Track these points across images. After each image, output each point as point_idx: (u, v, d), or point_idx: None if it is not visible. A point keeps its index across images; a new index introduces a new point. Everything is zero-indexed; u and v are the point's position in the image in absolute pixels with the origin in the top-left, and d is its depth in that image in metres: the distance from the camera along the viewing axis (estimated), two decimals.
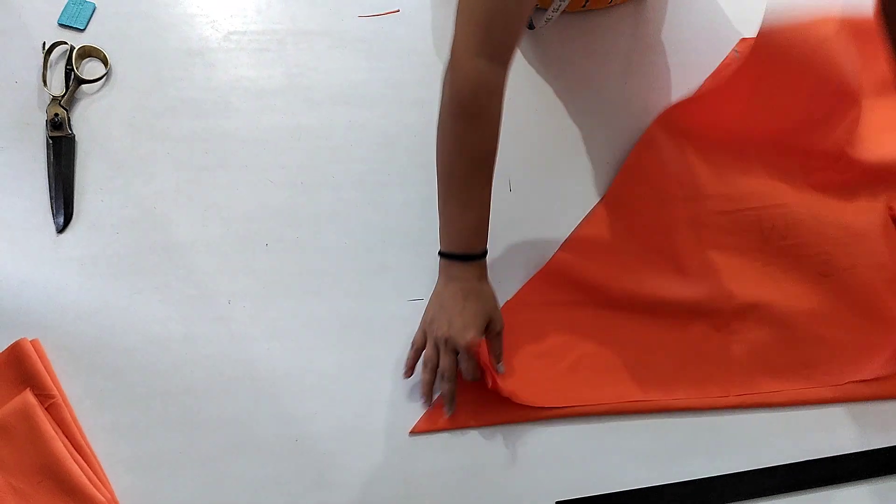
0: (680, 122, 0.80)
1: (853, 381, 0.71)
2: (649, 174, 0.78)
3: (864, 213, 0.78)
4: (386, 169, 0.76)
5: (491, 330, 0.65)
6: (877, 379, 0.70)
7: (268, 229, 0.72)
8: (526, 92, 0.82)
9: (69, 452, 0.59)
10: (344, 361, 0.67)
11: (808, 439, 0.69)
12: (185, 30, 0.80)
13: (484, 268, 0.66)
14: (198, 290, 0.69)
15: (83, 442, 0.61)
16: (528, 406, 0.65)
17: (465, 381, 0.64)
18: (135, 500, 0.61)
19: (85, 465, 0.60)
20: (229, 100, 0.77)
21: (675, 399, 0.68)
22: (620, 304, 0.72)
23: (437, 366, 0.64)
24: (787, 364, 0.71)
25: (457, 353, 0.63)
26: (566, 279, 0.72)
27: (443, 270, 0.65)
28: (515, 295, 0.71)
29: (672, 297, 0.72)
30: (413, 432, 0.65)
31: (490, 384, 0.63)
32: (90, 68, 0.76)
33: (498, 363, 0.66)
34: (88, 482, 0.58)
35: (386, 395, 0.67)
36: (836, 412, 0.70)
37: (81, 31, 0.78)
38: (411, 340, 0.66)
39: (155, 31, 0.79)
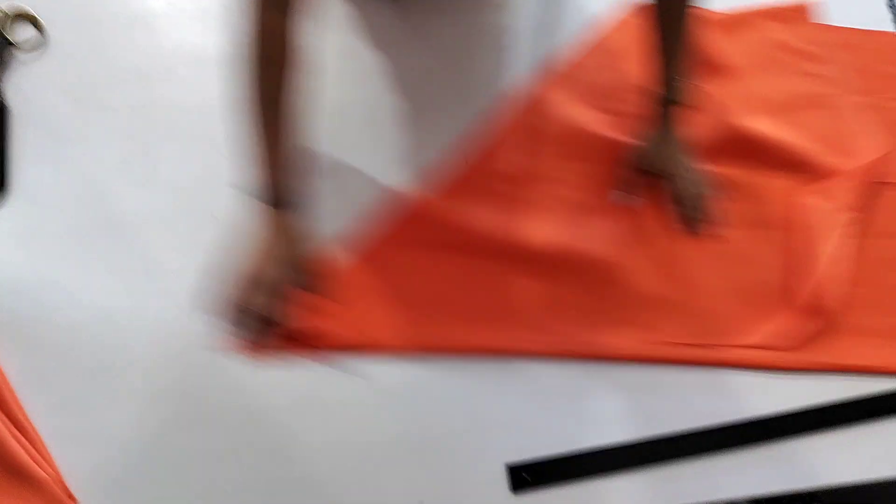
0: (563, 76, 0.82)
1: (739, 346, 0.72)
2: (531, 126, 0.79)
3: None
4: (338, 140, 0.75)
5: (307, 271, 0.66)
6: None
7: (215, 201, 0.70)
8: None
9: (9, 430, 0.58)
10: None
11: (751, 400, 0.71)
12: None
13: (301, 211, 0.65)
14: (143, 263, 0.67)
15: (24, 419, 0.60)
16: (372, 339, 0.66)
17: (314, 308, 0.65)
18: (82, 477, 0.59)
19: (27, 442, 0.58)
20: (174, 67, 0.75)
21: (536, 346, 0.69)
22: (487, 251, 0.72)
23: (255, 306, 0.64)
24: (643, 319, 0.72)
25: (270, 293, 0.63)
26: (433, 222, 0.72)
27: (256, 212, 0.64)
28: (376, 234, 0.71)
29: (544, 248, 0.72)
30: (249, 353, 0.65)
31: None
32: (23, 33, 0.73)
33: (322, 302, 0.66)
34: (31, 460, 0.57)
35: (337, 368, 0.67)
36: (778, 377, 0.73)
37: None
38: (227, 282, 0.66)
39: None
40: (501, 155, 0.77)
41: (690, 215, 0.75)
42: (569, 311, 0.71)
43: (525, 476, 0.64)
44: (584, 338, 0.69)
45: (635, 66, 0.79)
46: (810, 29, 0.91)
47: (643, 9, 0.71)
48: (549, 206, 0.76)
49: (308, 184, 0.65)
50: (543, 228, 0.74)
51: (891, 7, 0.96)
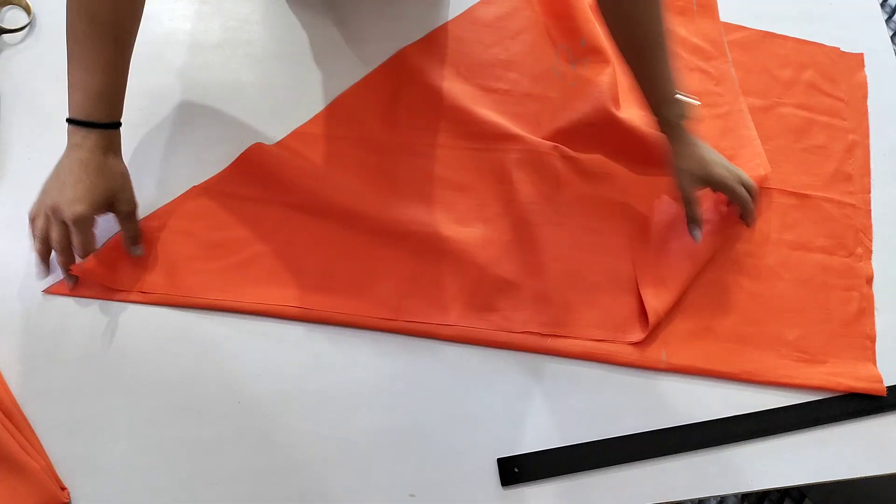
0: (437, 47, 0.81)
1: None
2: (386, 91, 0.77)
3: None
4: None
5: (118, 210, 0.63)
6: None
7: None
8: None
9: (0, 422, 0.57)
10: (287, 323, 0.67)
11: (737, 397, 0.72)
12: None
13: (115, 140, 0.63)
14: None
15: (14, 408, 0.59)
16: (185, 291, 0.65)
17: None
18: (72, 466, 0.59)
19: (16, 431, 0.58)
20: (164, 54, 0.74)
21: (347, 313, 0.67)
22: (314, 209, 0.70)
23: (48, 236, 0.61)
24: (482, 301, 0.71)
25: (72, 223, 0.60)
26: (261, 173, 0.70)
27: (68, 138, 0.61)
28: (205, 181, 0.70)
29: (375, 214, 0.71)
30: (48, 291, 0.63)
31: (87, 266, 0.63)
32: (11, 17, 0.72)
33: (133, 245, 0.65)
34: (21, 449, 0.57)
35: (332, 356, 0.66)
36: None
37: None
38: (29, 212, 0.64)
39: None
40: (366, 120, 0.76)
41: (749, 210, 0.74)
42: (421, 290, 0.70)
43: (515, 469, 0.64)
44: (434, 318, 0.68)
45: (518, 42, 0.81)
46: (708, 25, 0.91)
47: (598, 13, 0.70)
48: (410, 178, 0.74)
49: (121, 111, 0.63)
50: (404, 203, 0.72)
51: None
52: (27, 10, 0.72)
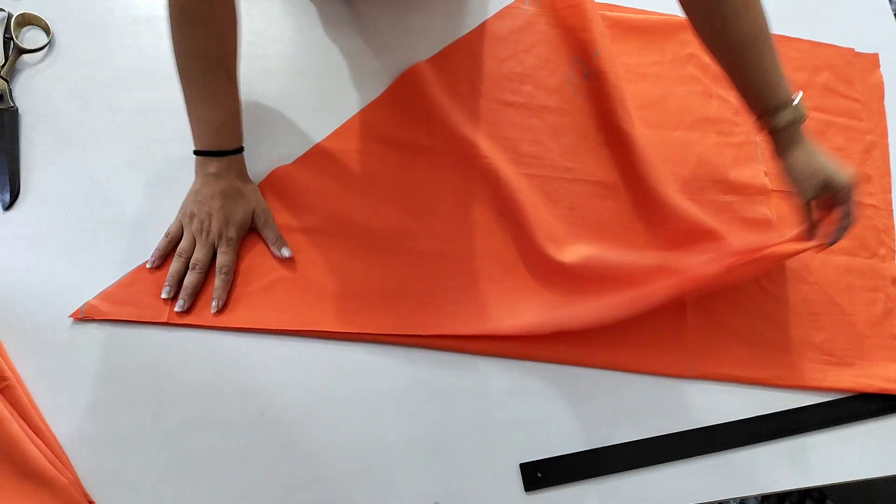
0: (453, 62, 0.81)
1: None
2: (407, 106, 0.78)
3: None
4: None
5: (256, 223, 0.68)
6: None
7: None
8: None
9: (27, 435, 0.58)
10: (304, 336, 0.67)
11: (758, 397, 0.72)
12: None
13: (242, 162, 0.68)
14: None
15: (41, 423, 0.60)
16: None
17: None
18: (99, 480, 0.60)
19: (44, 446, 0.59)
20: None
21: (369, 333, 0.67)
22: (332, 230, 0.70)
23: (190, 257, 0.66)
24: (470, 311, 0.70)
25: (214, 248, 0.66)
26: (279, 197, 0.71)
27: (199, 169, 0.67)
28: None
29: (394, 231, 0.71)
30: (81, 318, 0.64)
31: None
32: (31, 37, 0.73)
33: (280, 249, 0.68)
34: (49, 464, 0.57)
35: (355, 365, 0.67)
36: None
37: None
38: (166, 230, 0.67)
39: None
40: (385, 136, 0.76)
41: (846, 224, 0.68)
42: (444, 305, 0.70)
43: (538, 474, 0.64)
44: (461, 331, 0.68)
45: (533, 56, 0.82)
46: None
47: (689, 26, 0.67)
48: (430, 193, 0.74)
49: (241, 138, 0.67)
50: (424, 218, 0.73)
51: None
52: (46, 30, 0.73)
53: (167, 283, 0.65)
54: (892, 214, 0.85)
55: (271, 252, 0.69)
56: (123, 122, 0.72)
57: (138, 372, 0.63)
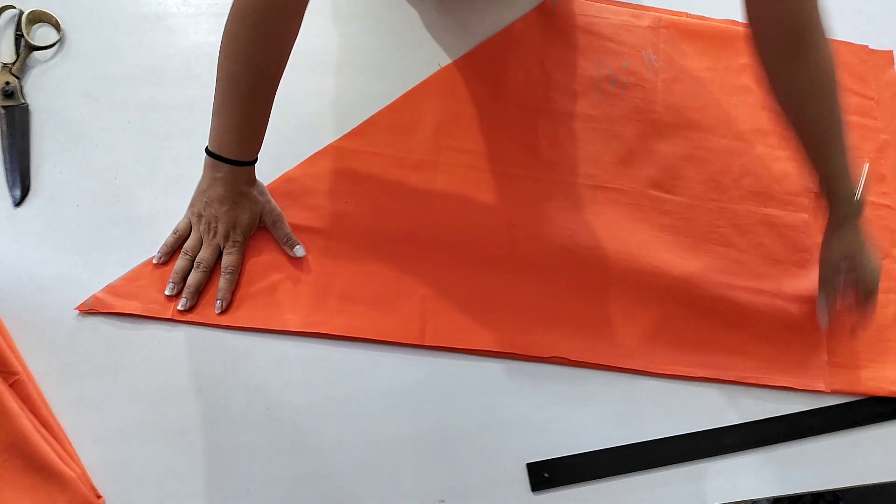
0: (477, 66, 0.80)
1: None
2: (424, 111, 0.77)
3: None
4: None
5: (267, 223, 0.69)
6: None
7: None
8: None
9: (36, 429, 0.58)
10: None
11: (769, 398, 0.71)
12: None
13: (253, 172, 0.68)
14: None
15: (50, 417, 0.60)
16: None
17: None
18: (106, 474, 0.60)
19: (53, 440, 0.59)
20: (190, 67, 0.75)
21: (370, 338, 0.67)
22: (336, 232, 0.70)
23: (196, 255, 0.66)
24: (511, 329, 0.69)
25: (220, 249, 0.66)
26: (288, 196, 0.71)
27: (208, 169, 0.66)
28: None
29: (401, 234, 0.71)
30: (87, 310, 0.64)
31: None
32: (41, 34, 0.74)
33: (292, 248, 0.68)
34: (57, 458, 0.58)
35: (361, 363, 0.67)
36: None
37: None
38: (174, 227, 0.68)
39: None
40: (403, 138, 0.76)
41: (863, 307, 0.71)
42: (446, 312, 0.69)
43: (545, 474, 0.64)
44: (461, 343, 0.68)
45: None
46: None
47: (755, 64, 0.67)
48: (443, 199, 0.73)
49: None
50: (433, 223, 0.72)
51: None
52: (57, 27, 0.73)
53: (171, 280, 0.65)
54: None
55: (284, 251, 0.69)
56: (133, 119, 0.72)
57: (145, 367, 0.64)
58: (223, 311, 0.65)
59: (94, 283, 0.65)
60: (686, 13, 0.88)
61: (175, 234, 0.67)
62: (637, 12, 0.87)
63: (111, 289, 0.65)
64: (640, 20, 0.87)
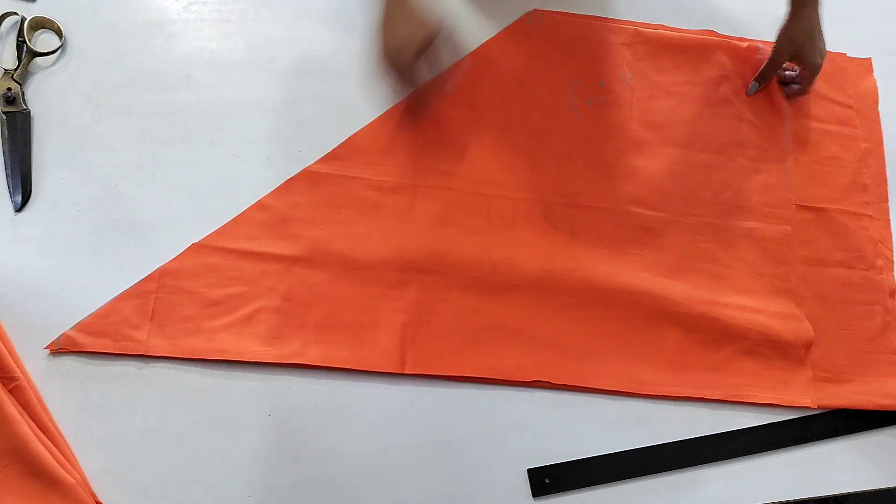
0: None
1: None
2: (401, 135, 0.76)
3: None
4: None
5: (438, 41, 0.68)
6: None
7: (233, 205, 0.70)
8: None
9: (36, 435, 0.58)
10: None
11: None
12: (143, 0, 0.78)
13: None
14: (160, 266, 0.67)
15: (50, 423, 0.60)
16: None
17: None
18: (106, 481, 0.60)
19: (53, 447, 0.59)
20: (191, 72, 0.76)
21: (350, 367, 0.66)
22: (315, 260, 0.69)
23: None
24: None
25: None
26: (262, 226, 0.70)
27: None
28: (205, 238, 0.69)
29: (380, 261, 0.70)
30: (53, 349, 0.63)
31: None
32: (44, 40, 0.74)
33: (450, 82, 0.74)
34: (57, 464, 0.58)
35: (357, 371, 0.67)
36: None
37: (33, 1, 0.75)
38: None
39: (111, 2, 0.77)
40: (378, 161, 0.75)
41: (799, 93, 0.83)
42: (426, 340, 0.68)
43: (546, 480, 0.64)
44: (440, 370, 0.67)
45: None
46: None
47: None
48: (419, 222, 0.73)
49: None
50: (410, 249, 0.71)
51: None
52: (59, 33, 0.74)
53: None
54: (889, 224, 0.82)
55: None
56: (134, 125, 0.72)
57: (146, 373, 0.64)
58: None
59: (94, 288, 0.65)
60: (663, 25, 0.87)
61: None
62: (613, 27, 0.86)
63: (82, 326, 0.64)
64: (615, 37, 0.85)
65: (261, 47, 0.78)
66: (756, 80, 0.84)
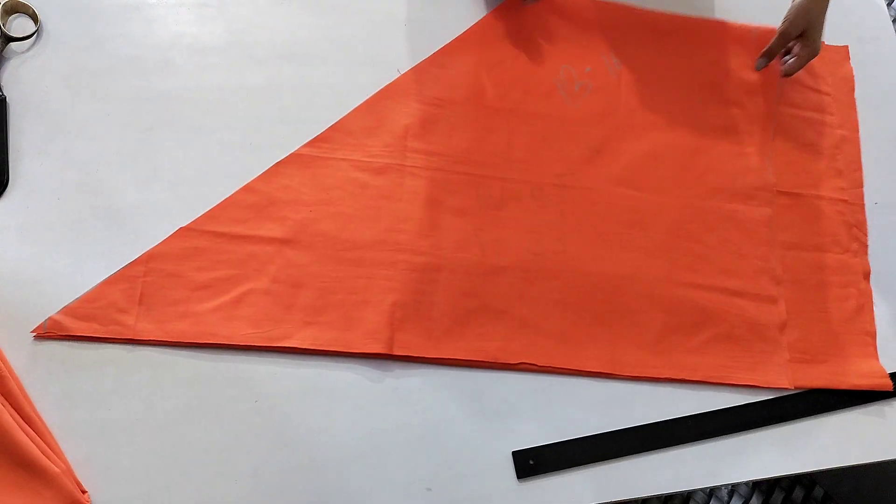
0: (442, 67, 0.79)
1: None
2: (389, 113, 0.76)
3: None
4: None
5: None
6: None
7: (216, 191, 0.70)
8: None
9: (18, 424, 0.58)
10: None
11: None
12: None
13: None
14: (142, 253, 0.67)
15: (33, 413, 0.60)
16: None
17: None
18: (91, 470, 0.60)
19: (36, 436, 0.58)
20: (170, 57, 0.75)
21: (338, 349, 0.66)
22: (303, 242, 0.69)
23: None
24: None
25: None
26: (250, 208, 0.70)
27: None
28: (193, 221, 0.68)
29: (368, 241, 0.70)
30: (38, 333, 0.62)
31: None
32: (18, 25, 0.72)
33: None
34: (41, 453, 0.57)
35: (342, 355, 0.67)
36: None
37: None
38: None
39: None
40: (367, 143, 0.75)
41: (797, 68, 0.85)
42: (414, 320, 0.68)
43: (530, 462, 0.65)
44: (429, 352, 0.67)
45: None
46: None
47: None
48: (408, 202, 0.72)
49: None
50: (399, 229, 0.71)
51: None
52: (34, 18, 0.72)
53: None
54: (864, 209, 0.84)
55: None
56: (114, 111, 0.71)
57: (130, 360, 0.63)
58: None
59: (76, 276, 0.65)
60: (651, 10, 0.88)
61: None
62: (602, 8, 0.86)
63: (68, 310, 0.63)
64: (604, 20, 0.86)
65: (241, 32, 0.77)
66: (764, 55, 0.87)
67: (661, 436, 0.68)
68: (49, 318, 0.63)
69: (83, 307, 0.64)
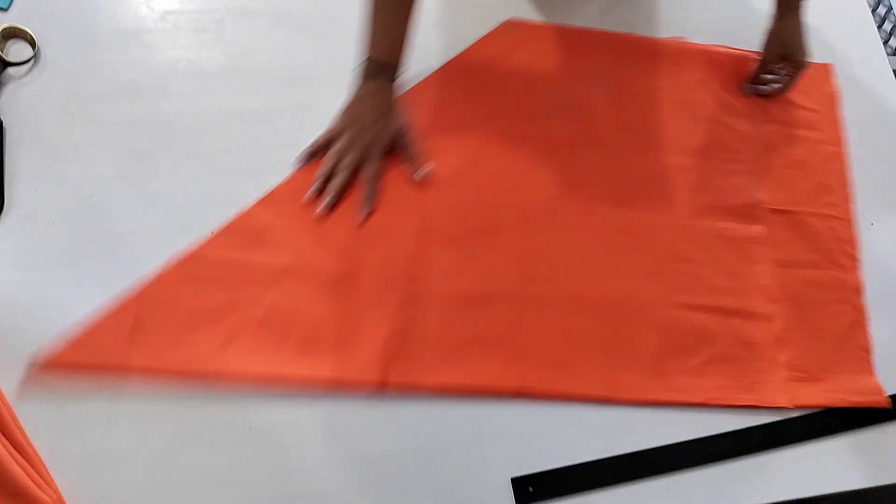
0: (428, 94, 0.80)
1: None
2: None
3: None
4: None
5: (400, 143, 0.74)
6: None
7: (212, 216, 0.69)
8: None
9: (9, 452, 0.57)
10: None
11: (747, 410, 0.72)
12: (117, 9, 0.77)
13: (397, 90, 0.74)
14: (138, 278, 0.66)
15: (24, 441, 0.59)
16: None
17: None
18: (82, 499, 0.59)
19: (27, 464, 0.58)
20: (167, 82, 0.75)
21: (333, 380, 0.65)
22: (300, 270, 0.68)
23: (340, 160, 0.72)
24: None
25: (363, 155, 0.72)
26: (248, 235, 0.69)
27: (364, 80, 0.73)
28: (189, 248, 0.68)
29: (364, 270, 0.70)
30: (36, 364, 0.61)
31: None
32: (16, 50, 0.73)
33: (420, 168, 0.74)
34: (31, 482, 0.56)
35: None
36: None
37: (5, 10, 0.74)
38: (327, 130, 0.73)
39: (85, 11, 0.76)
40: None
41: (780, 91, 0.87)
42: (410, 350, 0.67)
43: (529, 489, 0.64)
44: (426, 379, 0.67)
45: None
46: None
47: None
48: (401, 231, 0.72)
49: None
50: (393, 257, 0.71)
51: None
52: (32, 43, 0.73)
53: (315, 180, 0.71)
54: (854, 224, 0.84)
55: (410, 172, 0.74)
56: (109, 135, 0.72)
57: (123, 388, 0.62)
58: (367, 215, 0.71)
59: (70, 302, 0.64)
60: (635, 34, 0.89)
61: (327, 135, 0.73)
62: (587, 35, 0.87)
63: (61, 341, 0.62)
64: (590, 44, 0.87)
65: (238, 56, 0.78)
66: (749, 81, 0.88)
67: (661, 461, 0.68)
68: (40, 349, 0.61)
69: (76, 337, 0.63)
